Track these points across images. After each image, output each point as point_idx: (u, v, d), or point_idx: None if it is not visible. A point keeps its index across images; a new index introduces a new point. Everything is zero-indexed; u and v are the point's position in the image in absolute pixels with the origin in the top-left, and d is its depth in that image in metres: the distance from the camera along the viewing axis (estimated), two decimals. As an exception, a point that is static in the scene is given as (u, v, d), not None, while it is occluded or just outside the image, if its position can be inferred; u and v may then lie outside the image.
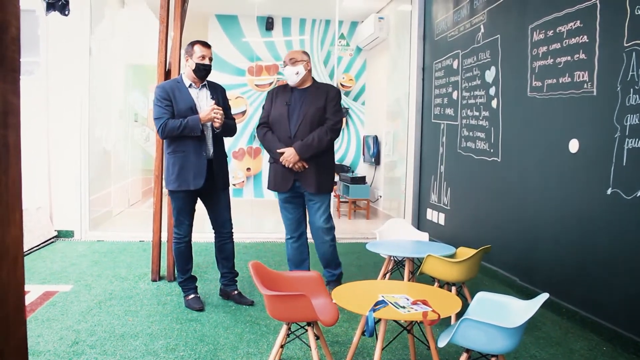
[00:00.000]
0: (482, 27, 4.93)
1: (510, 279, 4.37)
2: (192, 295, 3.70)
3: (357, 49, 9.11)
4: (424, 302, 2.48)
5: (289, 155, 3.73)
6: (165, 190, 4.27)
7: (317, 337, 2.60)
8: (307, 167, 3.78)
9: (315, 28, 9.06)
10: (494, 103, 4.71)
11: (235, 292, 3.89)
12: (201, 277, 4.33)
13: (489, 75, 4.78)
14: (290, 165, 3.75)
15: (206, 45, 3.64)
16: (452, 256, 3.62)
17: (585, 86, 3.49)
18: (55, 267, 4.64)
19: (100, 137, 6.67)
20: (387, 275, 3.94)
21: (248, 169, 8.98)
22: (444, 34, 5.83)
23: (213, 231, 3.87)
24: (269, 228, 7.31)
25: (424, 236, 4.21)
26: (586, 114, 3.49)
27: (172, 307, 3.69)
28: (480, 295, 2.54)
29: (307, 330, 2.58)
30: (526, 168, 4.18)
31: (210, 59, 3.64)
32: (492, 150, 4.74)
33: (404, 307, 2.42)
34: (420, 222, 6.50)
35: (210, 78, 3.74)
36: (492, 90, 4.74)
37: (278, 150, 3.78)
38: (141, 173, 9.37)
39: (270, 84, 8.88)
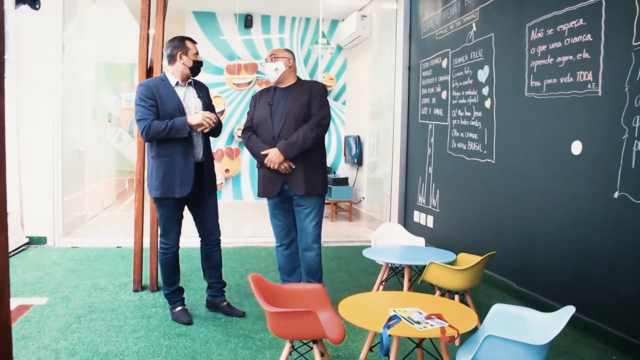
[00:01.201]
0: (474, 25, 4.81)
1: (506, 283, 4.25)
2: (179, 308, 3.48)
3: (337, 47, 8.95)
4: (439, 317, 2.32)
5: (273, 155, 3.50)
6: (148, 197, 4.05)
7: (322, 355, 2.42)
8: (293, 167, 3.56)
9: (295, 26, 8.87)
10: (487, 103, 4.59)
11: (224, 303, 3.69)
12: (186, 286, 4.10)
13: (482, 74, 4.66)
14: (275, 167, 3.52)
15: (194, 41, 3.52)
16: (452, 263, 3.48)
17: (589, 86, 3.38)
18: (28, 278, 4.35)
19: (74, 137, 6.36)
20: (383, 284, 3.78)
21: (227, 170, 8.73)
22: (432, 32, 5.71)
23: (199, 238, 3.66)
24: (249, 232, 7.10)
25: (420, 241, 4.06)
26: (590, 115, 3.39)
27: (158, 320, 3.46)
28: (497, 307, 2.39)
29: (311, 348, 2.40)
30: (523, 170, 4.07)
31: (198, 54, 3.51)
32: (485, 152, 4.63)
33: (418, 323, 2.26)
34: (406, 224, 6.36)
35: None
36: (485, 90, 4.62)
37: (262, 152, 3.56)
38: (114, 174, 9.05)
39: (249, 83, 8.66)
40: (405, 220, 6.41)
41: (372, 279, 4.62)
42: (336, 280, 4.58)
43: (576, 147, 3.50)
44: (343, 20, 8.45)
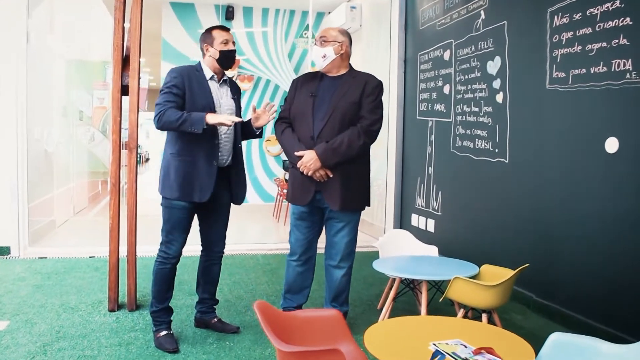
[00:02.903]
0: (482, 12, 4.42)
1: (525, 295, 3.86)
2: (164, 332, 3.00)
3: (324, 41, 8.51)
4: (489, 351, 1.90)
5: (308, 160, 2.99)
6: (124, 202, 3.56)
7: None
8: (330, 176, 3.05)
9: (279, 19, 8.42)
10: (498, 97, 4.20)
11: (215, 319, 3.28)
12: (171, 302, 3.61)
13: (492, 66, 4.27)
14: (309, 173, 3.02)
15: (226, 29, 3.06)
16: (476, 276, 3.08)
17: (627, 76, 3.01)
18: (-14, 296, 3.82)
19: (41, 137, 5.80)
20: (394, 301, 3.35)
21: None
22: (432, 22, 5.31)
23: (200, 247, 3.26)
24: (233, 238, 6.61)
25: (433, 250, 3.65)
26: (629, 108, 3.01)
27: (139, 348, 2.98)
28: (555, 337, 1.98)
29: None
30: (543, 170, 3.69)
31: (234, 43, 3.04)
32: (496, 150, 4.24)
33: (466, 360, 1.84)
34: (403, 228, 5.95)
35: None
36: (496, 83, 4.23)
37: (296, 153, 3.04)
38: (87, 176, 8.49)
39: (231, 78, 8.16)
40: (402, 224, 6.00)
41: (373, 290, 4.21)
42: (336, 292, 4.14)
43: (611, 145, 3.13)
44: (330, 12, 8.03)
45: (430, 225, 5.34)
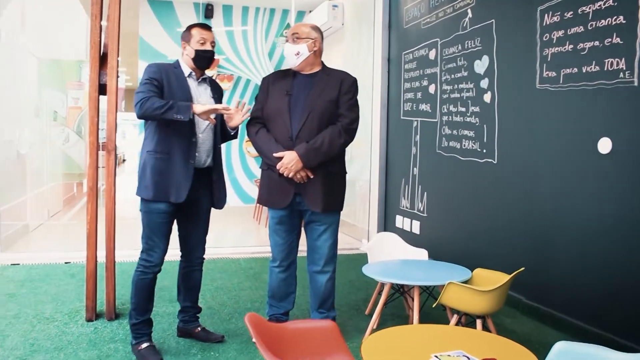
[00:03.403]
0: (469, 11, 4.35)
1: (514, 297, 3.80)
2: (145, 344, 2.85)
3: (305, 40, 8.40)
4: (494, 363, 1.82)
5: (289, 161, 2.87)
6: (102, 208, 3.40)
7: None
8: (311, 177, 2.95)
9: (259, 17, 8.28)
10: (486, 97, 4.14)
11: (199, 328, 3.15)
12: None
13: (480, 65, 4.21)
14: (290, 175, 2.91)
15: (206, 27, 2.92)
16: (469, 281, 3.00)
17: (621, 75, 2.96)
18: (-45, 306, 3.62)
19: (13, 138, 5.58)
20: (385, 307, 3.26)
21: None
22: (416, 21, 5.23)
23: (180, 254, 3.12)
24: (212, 241, 6.46)
25: (423, 254, 3.56)
26: (622, 108, 2.96)
27: (119, 360, 2.84)
28: (561, 346, 1.90)
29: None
30: (534, 170, 3.64)
31: (213, 44, 2.91)
32: (484, 151, 4.18)
33: (471, 374, 1.74)
34: (387, 230, 5.87)
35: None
36: (483, 83, 4.17)
37: (275, 155, 2.92)
38: (62, 178, 8.24)
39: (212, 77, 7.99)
40: (386, 226, 5.92)
41: (360, 295, 4.11)
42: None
43: (604, 145, 3.08)
44: (310, 11, 7.91)
45: (416, 227, 5.26)
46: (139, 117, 2.76)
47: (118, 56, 3.40)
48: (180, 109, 2.69)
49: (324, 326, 2.09)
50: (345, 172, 3.15)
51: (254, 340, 3.07)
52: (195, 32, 2.89)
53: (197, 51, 2.86)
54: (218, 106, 2.78)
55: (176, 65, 2.93)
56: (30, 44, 6.47)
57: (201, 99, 2.92)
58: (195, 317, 3.18)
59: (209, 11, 7.87)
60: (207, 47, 2.89)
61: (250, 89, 8.44)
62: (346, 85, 3.01)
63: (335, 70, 3.12)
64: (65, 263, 4.87)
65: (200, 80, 2.96)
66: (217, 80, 8.15)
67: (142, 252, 2.87)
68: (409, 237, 5.31)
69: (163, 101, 2.71)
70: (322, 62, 3.11)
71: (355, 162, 6.59)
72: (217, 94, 3.06)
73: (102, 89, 3.41)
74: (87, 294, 3.40)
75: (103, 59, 3.41)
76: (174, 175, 2.80)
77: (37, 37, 6.82)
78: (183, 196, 2.81)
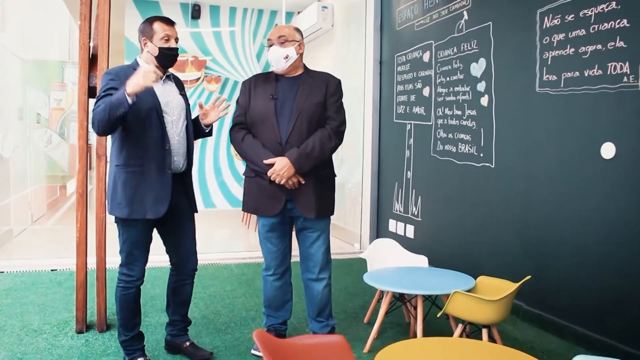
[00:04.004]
0: (465, 13, 4.30)
1: (515, 304, 3.75)
2: (139, 359, 2.74)
3: (293, 42, 8.31)
4: (513, 380, 1.75)
5: (281, 167, 2.78)
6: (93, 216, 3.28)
7: None
8: (303, 182, 2.87)
9: (247, 18, 8.18)
10: (483, 100, 4.09)
11: (187, 343, 2.99)
12: (142, 321, 3.34)
13: (476, 68, 4.16)
14: (282, 181, 2.82)
15: (169, 22, 2.70)
16: (473, 289, 2.93)
17: (624, 79, 2.92)
18: (-64, 319, 3.47)
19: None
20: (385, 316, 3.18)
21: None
22: (409, 23, 5.18)
23: (170, 265, 2.97)
24: (202, 246, 6.35)
25: (422, 260, 3.50)
26: (626, 112, 2.93)
27: (112, 375, 2.72)
28: (580, 359, 1.85)
29: None
30: (534, 175, 3.59)
31: (177, 40, 2.71)
32: (481, 155, 4.13)
33: (491, 392, 1.68)
34: (380, 234, 5.81)
35: None
36: (480, 86, 4.12)
37: (266, 161, 2.82)
38: (45, 181, 8.05)
39: (197, 80, 7.87)
40: (379, 230, 5.86)
41: (357, 302, 4.04)
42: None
43: (607, 150, 3.04)
44: (299, 12, 7.84)
45: (410, 231, 5.20)
46: (100, 134, 2.59)
47: (108, 58, 3.29)
48: (118, 99, 2.42)
49: (333, 341, 2.00)
50: (335, 175, 3.09)
51: (252, 351, 3.00)
52: (157, 27, 2.64)
53: (161, 49, 2.64)
54: (148, 69, 2.46)
55: (135, 65, 2.68)
56: (12, 44, 6.30)
57: (170, 99, 2.70)
58: (185, 331, 3.03)
59: (195, 12, 7.75)
60: (172, 44, 2.68)
61: (237, 91, 8.31)
62: (332, 87, 2.96)
63: (318, 72, 3.06)
64: (52, 270, 4.72)
65: (164, 79, 2.74)
66: (205, 82, 8.08)
67: (121, 265, 2.72)
68: (403, 242, 5.23)
69: (103, 105, 2.46)
70: (304, 64, 3.04)
71: (345, 165, 6.52)
72: (183, 89, 2.87)
73: (91, 92, 3.29)
74: (77, 305, 3.28)
75: (92, 61, 3.29)
76: (149, 188, 2.60)
77: (19, 37, 6.65)
78: (162, 211, 2.63)
